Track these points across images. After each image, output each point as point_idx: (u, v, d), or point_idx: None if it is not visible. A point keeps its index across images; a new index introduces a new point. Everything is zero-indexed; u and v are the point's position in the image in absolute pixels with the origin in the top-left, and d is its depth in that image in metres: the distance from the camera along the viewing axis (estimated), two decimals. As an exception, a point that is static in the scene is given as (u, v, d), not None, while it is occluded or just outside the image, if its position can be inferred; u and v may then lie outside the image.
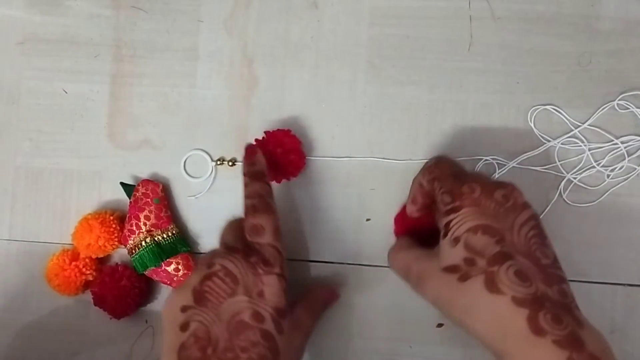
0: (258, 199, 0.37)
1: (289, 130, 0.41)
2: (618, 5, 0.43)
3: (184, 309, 0.33)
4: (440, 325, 0.42)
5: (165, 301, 0.35)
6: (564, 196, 0.42)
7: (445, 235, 0.33)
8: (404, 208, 0.41)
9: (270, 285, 0.33)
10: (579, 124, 0.42)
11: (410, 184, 0.38)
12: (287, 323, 0.34)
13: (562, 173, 0.42)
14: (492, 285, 0.30)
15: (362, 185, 0.43)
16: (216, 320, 0.32)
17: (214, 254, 0.35)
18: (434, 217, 0.37)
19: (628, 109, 0.42)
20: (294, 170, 0.41)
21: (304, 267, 0.43)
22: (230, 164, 0.43)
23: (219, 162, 0.43)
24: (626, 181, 0.42)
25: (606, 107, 0.42)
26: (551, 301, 0.29)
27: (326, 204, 0.43)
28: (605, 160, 0.42)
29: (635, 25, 0.42)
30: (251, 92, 0.44)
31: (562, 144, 0.42)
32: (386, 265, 0.42)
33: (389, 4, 0.43)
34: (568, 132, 0.42)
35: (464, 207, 0.32)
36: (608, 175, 0.42)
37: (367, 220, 0.43)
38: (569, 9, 0.43)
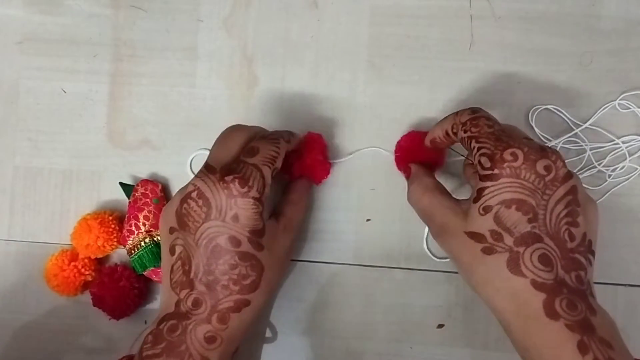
0: (272, 135, 0.36)
1: (319, 136, 0.41)
2: (619, 5, 0.42)
3: (171, 230, 0.34)
4: (440, 326, 0.42)
5: (161, 213, 0.35)
6: (565, 196, 0.42)
7: (477, 199, 0.32)
8: (409, 135, 0.41)
9: (245, 209, 0.33)
10: (580, 124, 0.42)
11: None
12: (267, 237, 0.34)
13: (563, 173, 0.42)
14: (514, 267, 0.30)
15: (362, 185, 0.43)
16: (194, 246, 0.33)
17: (197, 173, 0.34)
18: (443, 157, 0.38)
19: (629, 108, 0.42)
20: (316, 179, 0.41)
21: (304, 267, 0.43)
22: None
23: None
24: (627, 181, 0.42)
25: (607, 106, 0.42)
26: (568, 287, 0.30)
27: (326, 204, 0.43)
28: (606, 160, 0.42)
29: (636, 24, 0.42)
30: (251, 92, 0.44)
31: (563, 143, 0.42)
32: (386, 265, 0.42)
33: (390, 3, 0.43)
34: (569, 132, 0.42)
35: (502, 176, 0.31)
36: (609, 176, 0.42)
37: (367, 220, 0.43)
38: (569, 9, 0.43)
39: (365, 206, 0.43)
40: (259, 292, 0.34)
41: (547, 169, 0.31)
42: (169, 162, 0.44)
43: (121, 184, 0.43)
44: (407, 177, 0.39)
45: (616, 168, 0.42)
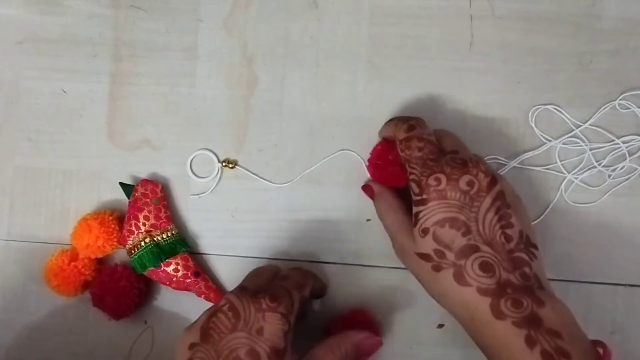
0: (302, 269, 0.40)
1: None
2: (619, 5, 0.42)
3: (191, 346, 0.33)
4: (440, 326, 0.42)
5: (177, 338, 0.34)
6: (565, 196, 0.42)
7: (416, 223, 0.35)
8: (378, 148, 0.41)
9: (271, 324, 0.33)
10: (580, 124, 0.42)
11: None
12: None
13: (563, 173, 0.42)
14: (460, 278, 0.33)
15: (362, 185, 0.43)
16: (214, 357, 0.32)
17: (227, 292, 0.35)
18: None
19: (629, 108, 0.42)
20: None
21: (304, 267, 0.43)
22: (231, 166, 0.43)
23: (224, 164, 0.43)
24: (627, 181, 0.42)
25: (607, 106, 0.42)
26: (513, 287, 0.32)
27: (326, 204, 0.43)
28: (606, 160, 0.42)
29: (636, 24, 0.42)
30: (251, 91, 0.44)
31: (563, 143, 0.42)
32: (386, 265, 0.42)
33: (390, 3, 0.43)
34: (569, 132, 0.42)
35: (430, 200, 0.34)
36: (609, 176, 0.42)
37: (367, 220, 0.43)
38: (569, 9, 0.43)
39: (365, 206, 0.43)
40: None
41: (470, 183, 0.34)
42: (169, 162, 0.44)
43: (121, 184, 0.43)
44: (371, 197, 0.41)
45: (616, 168, 0.42)
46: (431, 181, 0.34)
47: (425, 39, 0.43)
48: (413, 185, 0.35)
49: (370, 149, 0.42)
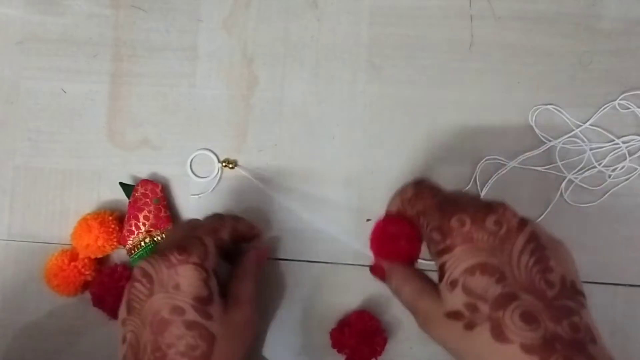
0: (216, 214, 0.38)
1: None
2: (619, 5, 0.42)
3: (123, 322, 0.33)
4: (440, 325, 0.42)
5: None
6: (565, 196, 0.42)
7: (442, 278, 0.30)
8: (379, 224, 0.37)
9: (186, 276, 0.32)
10: (580, 124, 0.42)
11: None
12: (218, 306, 0.33)
13: (563, 173, 0.42)
14: (499, 334, 0.27)
15: (362, 186, 0.43)
16: (141, 326, 0.32)
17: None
18: (419, 246, 0.35)
19: (629, 108, 0.42)
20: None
21: (305, 267, 0.43)
22: (231, 166, 0.43)
23: (224, 164, 0.43)
24: (627, 181, 0.42)
25: (607, 106, 0.42)
26: (562, 341, 0.27)
27: (326, 204, 0.43)
28: (606, 160, 0.42)
29: (636, 24, 0.42)
30: (251, 91, 0.44)
31: (563, 144, 0.42)
32: (386, 265, 0.42)
33: (390, 4, 0.43)
34: (569, 132, 0.42)
35: (456, 246, 0.29)
36: (609, 176, 0.42)
37: (367, 220, 0.43)
38: (570, 9, 0.43)
39: (365, 206, 0.43)
40: None
41: (498, 223, 0.30)
42: (169, 162, 0.44)
43: (121, 184, 0.43)
44: (382, 278, 0.36)
45: (616, 168, 0.42)
46: (454, 223, 0.30)
47: (426, 38, 0.43)
48: (434, 234, 0.30)
49: (370, 148, 0.42)
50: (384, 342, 0.40)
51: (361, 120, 0.43)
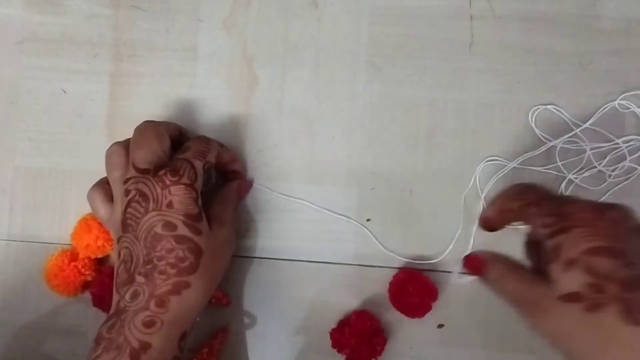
0: (203, 136, 0.40)
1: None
2: (619, 5, 0.42)
3: (118, 240, 0.35)
4: (440, 326, 0.42)
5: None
6: (565, 196, 0.42)
7: (555, 258, 0.28)
8: (400, 275, 0.41)
9: (178, 195, 0.34)
10: (580, 124, 0.42)
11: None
12: (205, 224, 0.35)
13: (564, 173, 0.42)
14: (631, 315, 0.25)
15: (362, 185, 0.43)
16: (135, 241, 0.34)
17: (128, 179, 0.35)
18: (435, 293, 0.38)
19: (629, 108, 0.42)
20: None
21: (304, 267, 0.43)
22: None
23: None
24: (627, 181, 0.42)
25: (607, 107, 0.42)
26: None
27: (326, 204, 0.43)
28: (606, 160, 0.42)
29: (636, 24, 0.42)
30: (251, 92, 0.44)
31: (563, 144, 0.42)
32: (386, 265, 0.42)
33: (390, 3, 0.43)
34: (569, 132, 0.42)
35: (575, 226, 0.27)
36: (609, 176, 0.42)
37: (367, 220, 0.43)
38: (570, 9, 0.43)
39: (365, 206, 0.43)
40: (198, 275, 0.34)
41: (623, 218, 0.28)
42: (169, 162, 0.44)
43: (121, 184, 0.43)
44: (478, 272, 0.33)
45: (616, 168, 0.42)
46: (574, 208, 0.28)
47: (426, 38, 0.43)
48: (548, 218, 0.29)
49: (370, 148, 0.42)
50: (384, 342, 0.40)
51: (361, 120, 0.43)
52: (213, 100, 0.44)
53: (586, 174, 0.42)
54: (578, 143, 0.42)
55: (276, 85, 0.44)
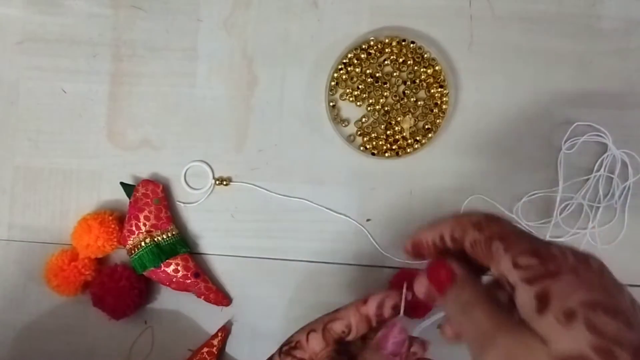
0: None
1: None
2: (619, 5, 0.42)
3: None
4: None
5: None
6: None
7: (545, 306, 0.23)
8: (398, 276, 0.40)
9: None
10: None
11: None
12: None
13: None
14: None
15: (362, 185, 0.43)
16: None
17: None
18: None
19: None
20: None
21: (304, 267, 0.43)
22: (225, 183, 0.43)
23: (218, 182, 0.43)
24: (628, 181, 0.42)
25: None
26: None
27: (326, 204, 0.43)
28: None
29: (636, 25, 0.42)
30: (251, 92, 0.44)
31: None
32: (386, 265, 0.42)
33: (390, 3, 0.43)
34: (569, 132, 0.42)
35: (562, 273, 0.23)
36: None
37: (367, 220, 0.43)
38: (570, 9, 0.43)
39: (365, 206, 0.43)
40: None
41: (601, 269, 0.24)
42: (169, 162, 0.44)
43: (122, 183, 0.43)
44: (441, 289, 0.28)
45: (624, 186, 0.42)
46: (556, 251, 0.24)
47: (425, 38, 0.43)
48: (523, 258, 0.24)
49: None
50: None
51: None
52: (213, 100, 0.44)
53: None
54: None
55: (276, 85, 0.44)
